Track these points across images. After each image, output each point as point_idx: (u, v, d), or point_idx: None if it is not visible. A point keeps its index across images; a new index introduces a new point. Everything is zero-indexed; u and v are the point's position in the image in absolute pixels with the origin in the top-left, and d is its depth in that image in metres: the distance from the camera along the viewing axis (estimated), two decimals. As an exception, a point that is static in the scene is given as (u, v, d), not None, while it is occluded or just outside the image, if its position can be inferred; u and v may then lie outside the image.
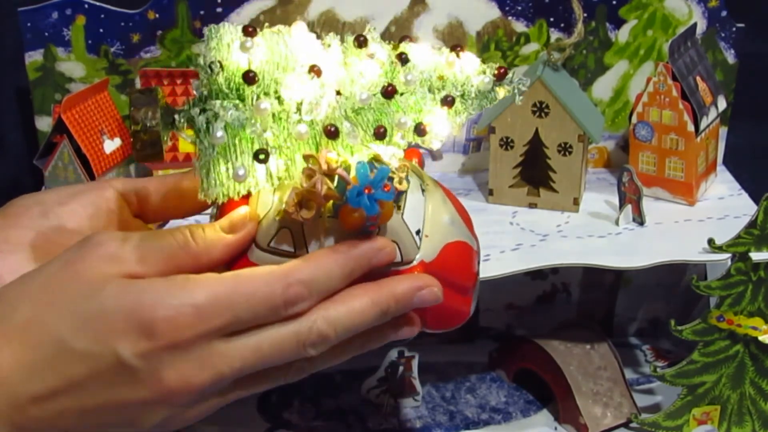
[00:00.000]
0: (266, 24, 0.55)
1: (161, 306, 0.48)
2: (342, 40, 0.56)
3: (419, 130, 0.54)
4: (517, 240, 0.84)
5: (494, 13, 0.90)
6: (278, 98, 0.52)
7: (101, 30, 0.87)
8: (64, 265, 0.50)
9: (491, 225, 0.86)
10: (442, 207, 0.59)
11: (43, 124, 0.91)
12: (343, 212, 0.52)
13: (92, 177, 0.84)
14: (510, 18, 0.91)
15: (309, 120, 0.52)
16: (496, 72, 0.55)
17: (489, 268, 0.78)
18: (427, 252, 0.56)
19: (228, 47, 0.52)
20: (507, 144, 0.87)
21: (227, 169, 0.51)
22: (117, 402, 0.49)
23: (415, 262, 0.55)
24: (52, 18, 0.86)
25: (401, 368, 0.91)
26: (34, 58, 0.88)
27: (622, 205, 0.85)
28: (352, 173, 0.51)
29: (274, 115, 0.52)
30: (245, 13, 0.88)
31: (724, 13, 0.91)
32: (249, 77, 0.51)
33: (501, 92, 0.55)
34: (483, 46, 0.91)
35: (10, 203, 0.58)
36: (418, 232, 0.56)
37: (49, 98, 0.90)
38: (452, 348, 1.01)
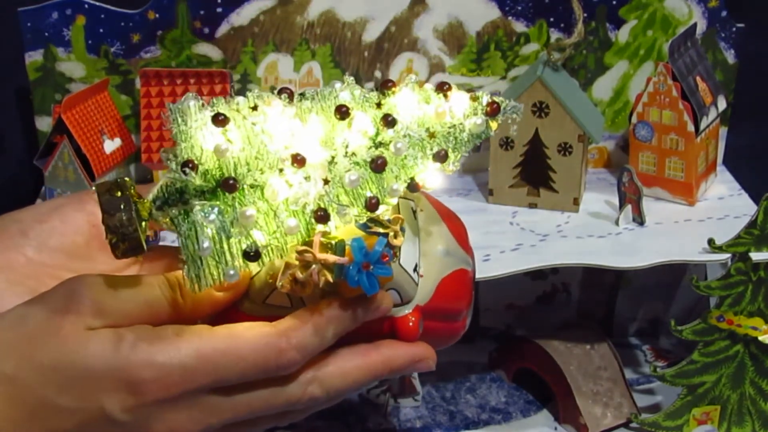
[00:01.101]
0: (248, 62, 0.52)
1: (148, 366, 0.47)
2: (318, 99, 0.52)
3: (412, 186, 0.52)
4: (517, 240, 0.83)
5: (494, 13, 0.90)
6: (262, 193, 0.49)
7: (101, 30, 0.87)
8: (46, 318, 0.48)
9: (491, 225, 0.86)
10: (436, 234, 0.57)
11: (43, 124, 0.91)
12: (341, 288, 0.51)
13: (92, 177, 0.84)
14: (510, 18, 0.91)
15: (297, 209, 0.49)
16: (488, 109, 0.53)
17: (489, 268, 0.78)
18: (423, 293, 0.55)
19: (199, 144, 0.49)
20: (507, 144, 0.87)
21: (217, 271, 0.49)
22: None
23: (408, 310, 0.54)
24: (52, 18, 0.86)
25: (401, 368, 0.91)
26: (34, 58, 0.88)
27: (622, 205, 0.85)
28: (347, 246, 0.49)
29: (266, 214, 0.49)
30: (245, 13, 0.88)
31: (724, 13, 0.91)
32: (229, 185, 0.48)
33: (494, 125, 0.53)
34: (483, 46, 0.91)
35: None
36: (415, 269, 0.55)
37: (49, 98, 0.90)
38: (452, 348, 1.01)
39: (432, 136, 0.52)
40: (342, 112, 0.51)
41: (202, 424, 0.49)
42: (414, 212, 0.57)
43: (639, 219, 0.85)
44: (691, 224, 0.86)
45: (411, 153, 0.52)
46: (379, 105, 0.53)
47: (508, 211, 0.89)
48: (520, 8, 0.90)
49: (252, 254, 0.49)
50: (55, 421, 0.47)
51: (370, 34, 0.90)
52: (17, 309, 0.49)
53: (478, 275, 0.77)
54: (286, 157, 0.49)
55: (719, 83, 0.91)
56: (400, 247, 0.53)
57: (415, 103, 0.53)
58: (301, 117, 0.52)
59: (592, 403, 0.89)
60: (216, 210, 0.48)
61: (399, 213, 0.53)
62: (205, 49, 0.89)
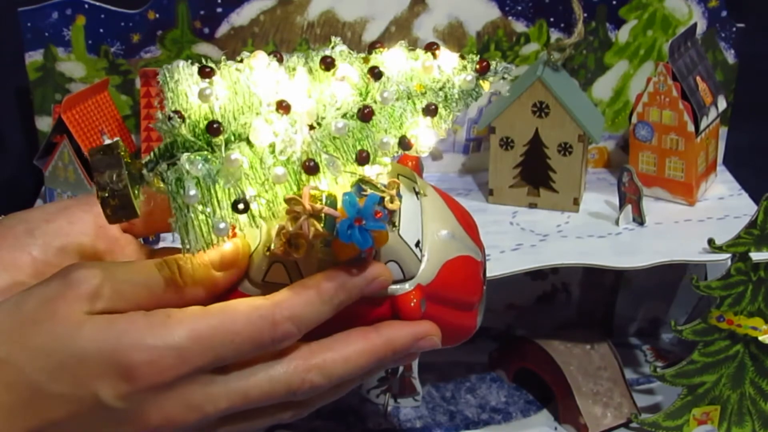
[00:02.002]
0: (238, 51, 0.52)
1: (140, 348, 0.46)
2: (306, 60, 0.52)
3: (404, 144, 0.51)
4: (517, 240, 0.84)
5: (494, 13, 0.90)
6: (248, 142, 0.49)
7: (101, 30, 0.87)
8: (41, 304, 0.47)
9: (491, 225, 0.86)
10: (440, 218, 0.56)
11: (43, 124, 0.91)
12: (335, 246, 0.49)
13: (92, 177, 0.84)
14: (510, 18, 0.91)
15: (285, 159, 0.49)
16: (477, 67, 0.52)
17: (489, 268, 0.78)
18: (426, 273, 0.54)
19: (186, 95, 0.49)
20: (507, 144, 0.87)
21: (207, 224, 0.48)
22: None
23: (410, 287, 0.53)
24: (52, 18, 0.86)
25: (401, 368, 0.91)
26: (34, 58, 0.88)
27: (622, 205, 0.85)
28: (339, 204, 0.48)
29: (252, 164, 0.48)
30: (245, 13, 0.88)
31: (724, 13, 0.91)
32: (214, 129, 0.47)
33: (486, 85, 0.53)
34: (483, 46, 0.91)
35: None
36: (417, 244, 0.53)
37: (49, 98, 0.90)
38: (452, 348, 1.01)
39: (420, 88, 0.51)
40: (327, 63, 0.51)
41: (198, 412, 0.48)
42: (417, 194, 0.56)
43: (639, 219, 0.85)
44: (691, 224, 0.86)
45: (399, 105, 0.51)
46: (366, 61, 0.52)
47: (508, 211, 0.89)
48: (520, 8, 0.90)
49: (241, 206, 0.47)
50: (48, 409, 0.46)
51: (370, 34, 0.90)
52: (13, 296, 0.49)
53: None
54: (271, 103, 0.49)
55: (719, 83, 0.91)
56: (398, 215, 0.52)
57: (403, 60, 0.52)
58: (288, 72, 0.52)
59: (592, 403, 0.89)
60: (202, 159, 0.47)
61: (399, 191, 0.52)
62: (205, 49, 0.89)
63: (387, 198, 0.50)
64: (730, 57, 0.94)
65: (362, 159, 0.50)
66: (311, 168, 0.48)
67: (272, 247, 0.49)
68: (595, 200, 0.90)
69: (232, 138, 0.48)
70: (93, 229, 0.55)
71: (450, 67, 0.53)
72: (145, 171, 0.48)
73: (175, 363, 0.46)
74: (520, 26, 0.91)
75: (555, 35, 0.91)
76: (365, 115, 0.50)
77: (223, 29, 0.88)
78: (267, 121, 0.48)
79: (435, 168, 0.96)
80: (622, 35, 0.92)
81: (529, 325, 1.03)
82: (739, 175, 0.95)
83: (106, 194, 0.48)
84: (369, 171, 0.51)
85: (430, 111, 0.51)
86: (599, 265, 0.80)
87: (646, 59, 0.93)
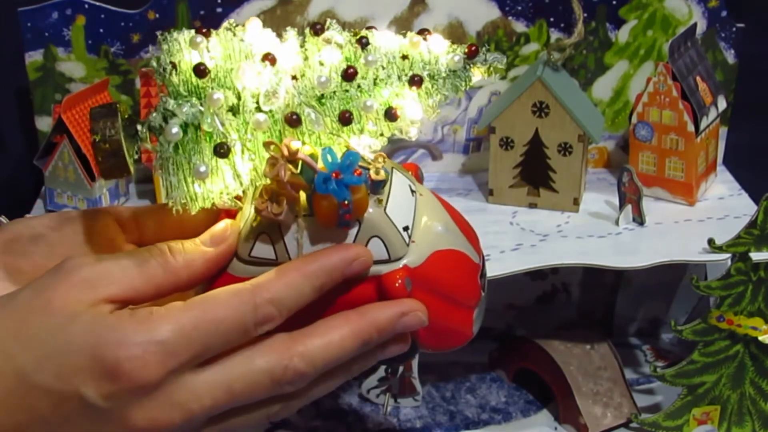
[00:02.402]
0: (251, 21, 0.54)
1: (125, 345, 0.45)
2: (300, 34, 0.54)
3: (390, 114, 0.51)
4: (517, 240, 0.84)
5: (494, 13, 0.90)
6: (235, 93, 0.50)
7: (101, 30, 0.87)
8: (35, 294, 0.47)
9: (491, 225, 0.86)
10: (435, 215, 0.56)
11: (43, 124, 0.91)
12: (314, 203, 0.50)
13: (92, 177, 0.84)
14: (510, 18, 0.91)
15: (268, 110, 0.50)
16: (466, 50, 0.53)
17: (489, 268, 0.78)
18: (413, 257, 0.53)
19: (179, 48, 0.51)
20: (507, 144, 0.87)
21: (189, 165, 0.49)
22: None
23: (399, 265, 0.52)
24: (52, 18, 0.86)
25: (401, 368, 0.91)
26: (34, 58, 0.88)
27: (622, 205, 0.85)
28: (320, 163, 0.49)
29: (232, 108, 0.50)
30: (245, 13, 0.88)
31: (724, 13, 0.91)
32: (200, 70, 0.49)
33: (476, 73, 0.53)
34: (483, 46, 0.91)
35: (0, 229, 0.56)
36: (406, 228, 0.53)
37: (49, 98, 0.90)
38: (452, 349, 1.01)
39: (405, 58, 0.53)
40: (316, 29, 0.53)
41: (183, 411, 0.47)
42: (412, 192, 0.56)
43: (639, 219, 0.85)
44: (691, 224, 0.86)
45: (384, 73, 0.52)
46: (355, 34, 0.54)
47: (508, 211, 0.89)
48: (520, 8, 0.90)
49: (222, 150, 0.49)
50: (35, 403, 0.46)
51: (370, 34, 0.90)
52: (10, 292, 0.49)
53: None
54: (258, 53, 0.51)
55: (719, 83, 0.91)
56: (387, 193, 0.52)
57: (392, 37, 0.54)
58: (281, 38, 0.54)
59: (592, 403, 0.89)
60: (188, 103, 0.49)
61: (386, 168, 0.53)
62: (205, 49, 0.89)
63: (372, 170, 0.51)
64: (730, 57, 0.94)
65: (345, 119, 0.50)
66: (293, 120, 0.49)
67: (253, 205, 0.50)
68: (595, 200, 0.90)
69: (219, 86, 0.50)
70: (97, 239, 0.55)
71: (439, 48, 0.54)
72: (139, 126, 0.50)
73: (162, 358, 0.46)
74: (520, 26, 0.91)
75: (555, 35, 0.91)
76: (348, 74, 0.51)
77: (223, 29, 0.88)
78: (252, 68, 0.50)
79: (435, 168, 0.96)
80: (622, 35, 0.92)
81: (529, 325, 1.03)
82: (739, 175, 0.95)
83: (98, 138, 0.49)
84: (357, 144, 0.52)
85: (415, 81, 0.52)
86: (599, 265, 0.80)
87: (646, 59, 0.93)
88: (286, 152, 0.49)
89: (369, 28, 0.54)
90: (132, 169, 0.50)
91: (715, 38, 0.93)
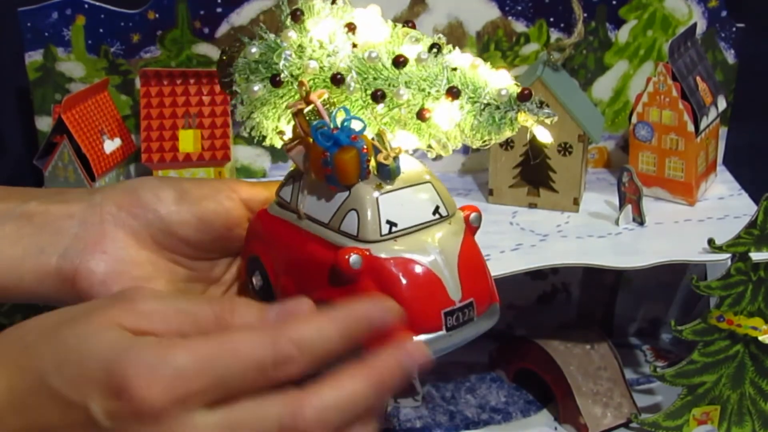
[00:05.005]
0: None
1: (138, 364, 0.44)
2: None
3: (420, 113, 0.53)
4: (517, 240, 0.83)
5: (494, 13, 0.90)
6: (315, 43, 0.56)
7: (101, 30, 0.87)
8: (87, 308, 0.48)
9: (491, 225, 0.86)
10: (443, 246, 0.54)
11: (43, 124, 0.91)
12: (312, 145, 0.53)
13: (92, 177, 0.84)
14: (510, 18, 0.91)
15: (323, 63, 0.55)
16: (518, 92, 0.53)
17: (489, 268, 0.78)
18: (384, 250, 0.53)
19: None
20: (507, 144, 0.87)
21: (246, 85, 0.57)
22: None
23: (362, 245, 0.52)
24: (52, 18, 0.86)
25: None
26: (34, 58, 0.88)
27: (622, 205, 0.85)
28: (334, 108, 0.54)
29: (301, 46, 0.56)
30: (245, 13, 0.88)
31: (724, 13, 0.91)
32: (295, 15, 0.57)
33: (521, 118, 0.54)
34: (483, 46, 0.91)
35: (140, 182, 0.60)
36: (391, 224, 0.53)
37: (49, 98, 0.90)
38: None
39: (454, 70, 0.55)
40: (409, 26, 0.58)
41: None
42: (437, 213, 0.56)
43: (639, 219, 0.85)
44: (691, 224, 0.86)
45: (430, 72, 0.54)
46: (436, 45, 0.57)
47: (508, 211, 0.89)
48: (520, 8, 0.90)
49: (275, 80, 0.56)
50: (45, 404, 0.46)
51: (370, 34, 0.90)
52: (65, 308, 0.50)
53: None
54: (346, 20, 0.57)
55: (719, 83, 0.91)
56: (392, 179, 0.54)
57: (460, 55, 0.56)
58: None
59: (592, 403, 0.89)
60: (258, 44, 0.57)
61: (410, 188, 0.55)
62: (205, 49, 0.89)
63: (383, 154, 0.53)
64: (730, 57, 0.94)
65: (376, 96, 0.54)
66: (336, 79, 0.54)
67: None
68: (595, 200, 0.90)
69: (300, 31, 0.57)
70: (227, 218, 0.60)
71: (497, 80, 0.55)
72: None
73: (170, 383, 0.44)
74: (520, 26, 0.91)
75: (555, 35, 0.91)
76: (397, 61, 0.54)
77: (222, 29, 0.88)
78: (329, 24, 0.56)
79: (435, 168, 0.96)
80: (622, 35, 0.92)
81: (529, 325, 1.03)
82: (739, 175, 0.95)
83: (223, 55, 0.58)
84: (392, 135, 0.55)
85: (452, 93, 0.54)
86: (599, 265, 0.80)
87: (646, 59, 0.93)
88: (304, 93, 0.53)
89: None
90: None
91: (715, 38, 0.93)
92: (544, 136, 0.56)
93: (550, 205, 0.89)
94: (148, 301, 0.48)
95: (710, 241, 0.79)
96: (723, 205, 0.90)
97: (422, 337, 0.53)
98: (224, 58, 0.58)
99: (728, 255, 0.79)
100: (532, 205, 0.89)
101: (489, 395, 0.95)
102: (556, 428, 0.91)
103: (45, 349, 0.46)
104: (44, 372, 0.46)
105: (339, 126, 0.52)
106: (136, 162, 0.92)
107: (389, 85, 0.54)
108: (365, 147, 0.52)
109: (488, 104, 0.54)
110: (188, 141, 0.87)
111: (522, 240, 0.83)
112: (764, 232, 0.77)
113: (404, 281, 0.52)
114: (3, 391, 0.46)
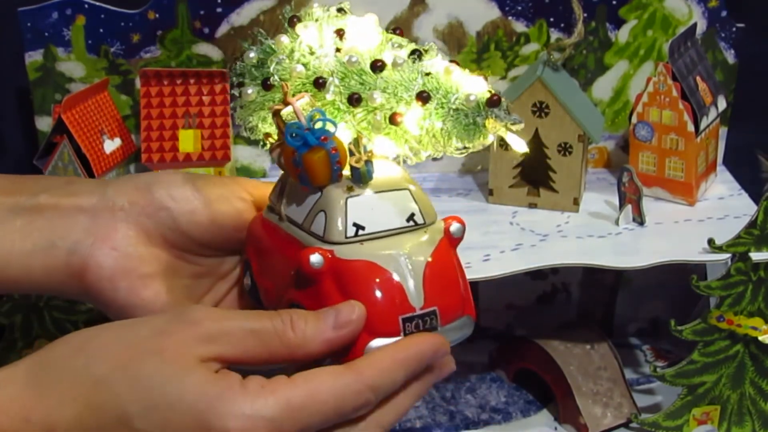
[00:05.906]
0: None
1: (235, 416, 0.46)
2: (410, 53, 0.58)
3: (392, 118, 0.54)
4: (517, 240, 0.83)
5: (494, 13, 0.90)
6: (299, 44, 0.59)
7: (101, 30, 0.87)
8: (153, 335, 0.48)
9: (491, 225, 0.86)
10: (414, 253, 0.54)
11: (43, 124, 0.91)
12: (284, 149, 0.55)
13: (92, 177, 0.84)
14: (510, 18, 0.91)
15: (309, 66, 0.57)
16: (488, 96, 0.53)
17: (489, 268, 0.78)
18: (347, 252, 0.53)
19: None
20: (507, 144, 0.87)
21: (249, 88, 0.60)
22: None
23: (327, 246, 0.53)
24: (52, 18, 0.86)
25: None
26: (34, 58, 0.88)
27: (622, 205, 0.85)
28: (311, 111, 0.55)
29: (292, 50, 0.58)
30: (245, 13, 0.88)
31: (724, 13, 0.91)
32: (291, 21, 0.60)
33: (489, 124, 0.54)
34: (483, 46, 0.91)
35: (153, 177, 0.61)
36: (358, 227, 0.54)
37: (49, 98, 0.90)
38: (452, 348, 1.01)
39: (427, 74, 0.55)
40: (396, 32, 0.60)
41: None
42: (411, 221, 0.56)
43: (639, 219, 0.85)
44: (691, 224, 0.86)
45: (405, 77, 0.55)
46: (415, 50, 0.58)
47: (508, 211, 0.89)
48: (520, 8, 0.90)
49: (266, 84, 0.59)
50: None
51: (370, 34, 0.90)
52: (125, 321, 0.50)
53: (479, 275, 0.77)
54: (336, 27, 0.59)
55: (719, 83, 0.91)
56: (364, 184, 0.54)
57: (448, 66, 0.57)
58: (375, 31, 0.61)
59: (592, 403, 0.89)
60: (256, 49, 0.61)
61: (384, 194, 0.55)
62: (205, 49, 0.89)
63: (355, 157, 0.53)
64: (730, 57, 0.94)
65: (351, 100, 0.55)
66: (318, 83, 0.56)
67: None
68: (595, 200, 0.90)
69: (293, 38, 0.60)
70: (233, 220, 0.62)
71: (470, 85, 0.55)
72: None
73: None
74: (520, 26, 0.91)
75: (555, 35, 0.91)
76: (375, 66, 0.56)
77: (223, 29, 0.88)
78: (317, 30, 0.59)
79: (435, 168, 0.96)
80: (622, 35, 0.92)
81: (529, 325, 1.03)
82: (739, 175, 0.95)
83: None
84: (375, 145, 0.56)
85: (423, 97, 0.54)
86: (599, 265, 0.80)
87: (646, 59, 0.93)
88: (284, 94, 0.55)
89: (452, 62, 0.58)
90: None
91: (715, 38, 0.93)
92: (519, 146, 0.55)
93: (550, 205, 0.89)
94: (213, 324, 0.49)
95: (710, 241, 0.79)
96: (723, 205, 0.90)
97: (379, 341, 0.53)
98: (236, 62, 0.62)
99: (728, 255, 0.79)
100: (532, 205, 0.89)
101: (489, 395, 0.95)
102: (556, 428, 0.91)
103: (124, 389, 0.46)
104: (128, 414, 0.46)
105: (310, 126, 0.53)
106: (136, 162, 0.92)
107: (368, 89, 0.55)
108: (335, 148, 0.53)
109: (457, 109, 0.54)
110: (188, 141, 0.87)
111: (522, 240, 0.83)
112: (764, 232, 0.77)
113: (363, 284, 0.53)
114: (69, 421, 0.46)
